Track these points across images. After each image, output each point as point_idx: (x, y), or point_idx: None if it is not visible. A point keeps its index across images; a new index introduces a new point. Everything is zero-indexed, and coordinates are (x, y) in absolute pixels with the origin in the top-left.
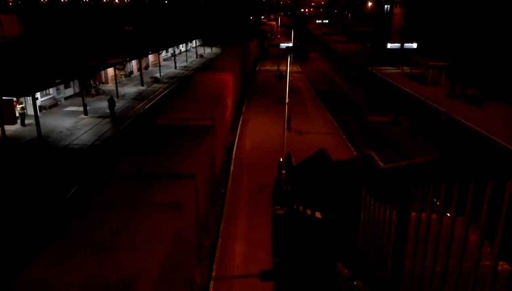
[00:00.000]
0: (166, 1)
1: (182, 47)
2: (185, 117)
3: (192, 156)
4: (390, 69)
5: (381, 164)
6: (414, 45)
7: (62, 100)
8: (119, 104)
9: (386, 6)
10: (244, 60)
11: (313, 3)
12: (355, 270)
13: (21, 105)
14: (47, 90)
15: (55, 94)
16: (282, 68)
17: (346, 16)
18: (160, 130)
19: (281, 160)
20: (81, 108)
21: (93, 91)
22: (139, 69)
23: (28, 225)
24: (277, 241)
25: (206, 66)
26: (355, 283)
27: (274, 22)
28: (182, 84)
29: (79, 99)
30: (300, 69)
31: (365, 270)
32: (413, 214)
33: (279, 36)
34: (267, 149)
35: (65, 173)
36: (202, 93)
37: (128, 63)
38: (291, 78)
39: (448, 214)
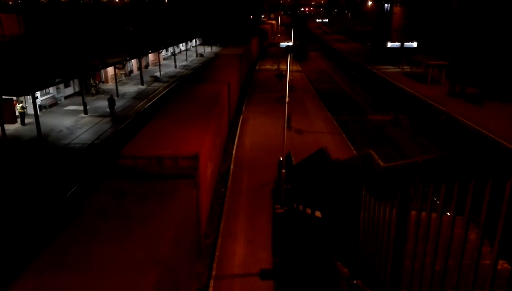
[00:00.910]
0: (166, 0)
1: (182, 46)
2: (159, 155)
3: (157, 225)
4: (390, 68)
5: (381, 163)
6: (414, 44)
7: (62, 99)
8: (119, 103)
9: (386, 5)
10: (243, 63)
11: (313, 2)
12: (355, 269)
13: (21, 104)
14: (47, 89)
15: (55, 93)
16: (282, 67)
17: (346, 15)
18: (119, 175)
19: (281, 159)
20: (81, 108)
21: (93, 90)
22: (139, 68)
23: (27, 224)
24: (277, 240)
25: (205, 65)
26: (355, 282)
27: (274, 21)
28: (182, 83)
29: (79, 98)
30: (300, 68)
31: (365, 269)
32: (413, 213)
33: (279, 35)
34: (267, 147)
35: (65, 172)
36: (186, 116)
37: (128, 62)
38: (291, 77)
39: (448, 213)
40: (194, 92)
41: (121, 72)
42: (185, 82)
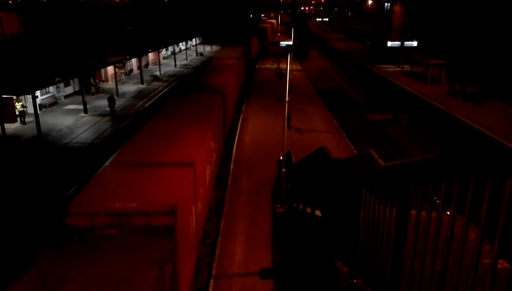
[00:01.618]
0: None
1: (182, 45)
2: (121, 211)
3: None
4: (390, 68)
5: (381, 162)
6: (415, 43)
7: (62, 98)
8: (119, 102)
9: (386, 4)
10: (242, 65)
11: (313, 1)
12: (355, 268)
13: (21, 103)
14: (47, 89)
15: (55, 92)
16: (282, 66)
17: (346, 14)
18: (62, 242)
19: (281, 158)
20: (81, 107)
21: (93, 90)
22: (139, 67)
23: (26, 224)
24: (277, 239)
25: (205, 64)
26: (355, 281)
27: (274, 20)
28: (182, 82)
29: (79, 98)
30: (300, 68)
31: (365, 268)
32: (413, 212)
33: (279, 34)
34: (267, 147)
35: (65, 171)
36: (166, 143)
37: (128, 61)
38: (291, 76)
39: (448, 212)
40: (181, 107)
41: (121, 71)
42: (185, 82)
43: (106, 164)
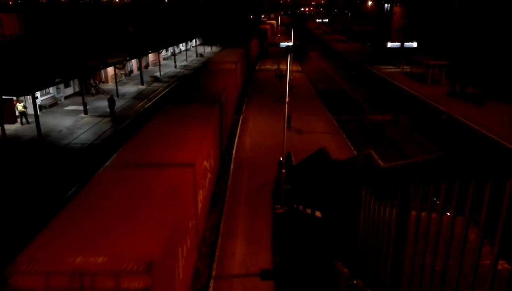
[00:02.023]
0: (166, 0)
1: (182, 46)
2: (83, 270)
3: None
4: (390, 68)
5: (381, 163)
6: (414, 44)
7: (62, 99)
8: (119, 103)
9: (386, 5)
10: (241, 68)
11: (313, 2)
12: (355, 269)
13: (22, 104)
14: (47, 90)
15: (55, 93)
16: (282, 67)
17: (346, 15)
18: None
19: (281, 159)
20: (81, 108)
21: (93, 91)
22: (139, 68)
23: (25, 224)
24: (277, 240)
25: (205, 65)
26: (355, 282)
27: (274, 21)
28: (182, 83)
29: (79, 98)
30: (300, 68)
31: (365, 269)
32: (413, 213)
33: (279, 35)
34: (267, 148)
35: (65, 172)
36: (146, 173)
37: (128, 62)
38: (291, 77)
39: (448, 213)
40: (170, 122)
41: (121, 72)
42: (185, 82)
43: (78, 195)
